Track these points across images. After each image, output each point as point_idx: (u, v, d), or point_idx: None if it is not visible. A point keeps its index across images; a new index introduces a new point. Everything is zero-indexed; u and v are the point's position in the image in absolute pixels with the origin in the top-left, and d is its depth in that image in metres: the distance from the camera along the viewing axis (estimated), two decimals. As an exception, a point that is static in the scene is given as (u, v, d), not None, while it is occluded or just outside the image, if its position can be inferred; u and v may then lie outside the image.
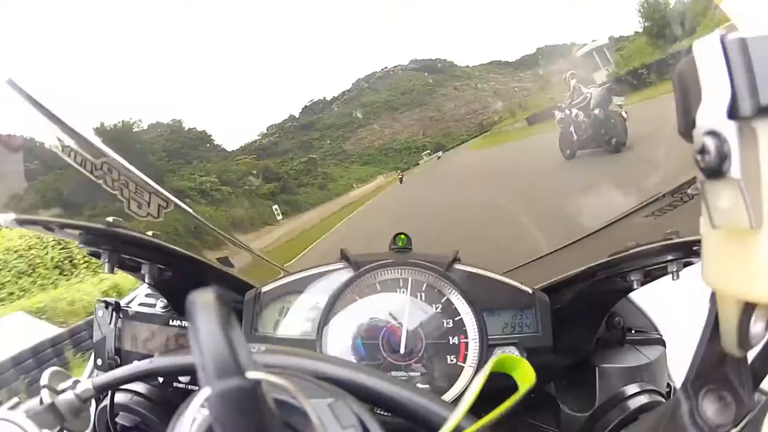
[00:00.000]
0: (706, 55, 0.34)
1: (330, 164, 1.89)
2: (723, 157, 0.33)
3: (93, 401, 0.65)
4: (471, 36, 1.49)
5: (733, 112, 0.32)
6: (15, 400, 0.60)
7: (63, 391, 0.62)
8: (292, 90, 1.56)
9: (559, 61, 1.45)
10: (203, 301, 0.34)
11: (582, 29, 1.32)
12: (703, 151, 0.34)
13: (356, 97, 1.84)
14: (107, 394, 0.93)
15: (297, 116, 1.71)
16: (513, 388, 0.96)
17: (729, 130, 0.32)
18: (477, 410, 0.52)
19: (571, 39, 1.38)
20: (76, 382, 0.63)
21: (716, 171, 0.33)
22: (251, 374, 0.33)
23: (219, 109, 1.39)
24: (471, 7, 1.35)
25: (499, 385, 0.56)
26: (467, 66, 1.85)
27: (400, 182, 1.94)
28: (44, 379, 0.62)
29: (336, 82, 1.62)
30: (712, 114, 0.33)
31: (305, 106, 1.73)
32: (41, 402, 0.60)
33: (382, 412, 0.51)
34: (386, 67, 1.83)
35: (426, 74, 1.91)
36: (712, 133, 0.33)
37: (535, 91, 1.65)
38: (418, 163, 1.99)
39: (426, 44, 1.64)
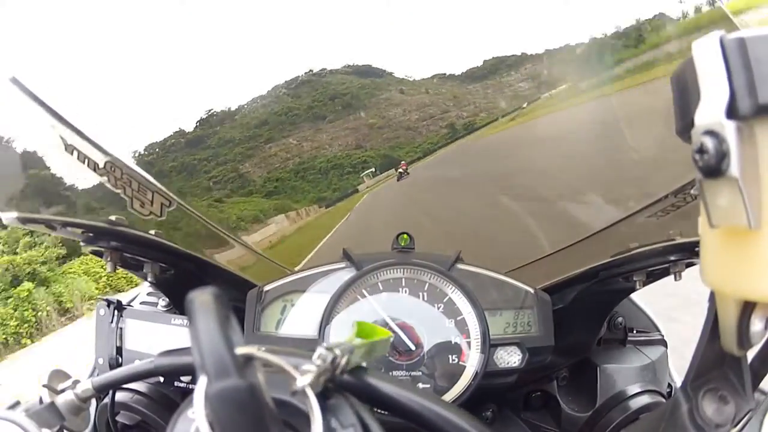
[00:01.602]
0: (705, 55, 0.34)
1: (208, 200, 1.45)
2: (722, 156, 0.33)
3: (93, 399, 0.65)
4: (416, 45, 1.39)
5: (731, 112, 0.32)
6: (15, 399, 0.60)
7: (63, 390, 0.62)
8: (190, 97, 1.29)
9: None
10: (202, 300, 0.34)
11: (534, 39, 1.31)
12: (701, 150, 0.34)
13: (268, 105, 1.48)
14: (107, 393, 0.93)
15: (187, 131, 1.35)
16: (511, 386, 0.96)
17: (728, 129, 0.32)
18: (476, 407, 0.52)
19: (521, 50, 1.38)
20: (76, 382, 0.64)
21: (715, 170, 0.33)
22: (241, 350, 0.33)
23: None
24: (418, 14, 1.28)
25: (498, 385, 0.56)
26: (411, 79, 1.57)
27: (398, 179, 1.64)
28: (44, 378, 0.62)
29: (245, 87, 1.35)
30: (710, 113, 0.33)
31: (202, 118, 1.37)
32: (41, 401, 0.61)
33: (382, 412, 0.51)
34: (311, 70, 1.46)
35: (363, 79, 1.58)
36: (711, 133, 0.33)
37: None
38: (357, 189, 1.62)
39: (364, 49, 1.40)
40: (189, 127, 1.33)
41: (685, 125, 0.37)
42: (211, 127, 1.39)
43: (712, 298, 0.42)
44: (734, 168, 0.32)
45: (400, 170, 1.63)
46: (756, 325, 0.38)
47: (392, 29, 1.27)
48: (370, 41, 1.35)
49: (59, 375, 0.64)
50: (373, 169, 1.58)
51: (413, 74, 1.54)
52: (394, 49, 1.39)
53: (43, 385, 0.62)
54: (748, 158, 0.32)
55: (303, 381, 0.38)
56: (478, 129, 1.58)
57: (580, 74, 1.33)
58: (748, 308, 0.38)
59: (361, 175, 1.59)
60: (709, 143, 0.33)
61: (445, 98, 1.59)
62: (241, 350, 0.34)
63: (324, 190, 1.58)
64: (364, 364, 0.51)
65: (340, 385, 0.44)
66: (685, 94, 0.37)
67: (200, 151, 1.38)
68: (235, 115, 1.43)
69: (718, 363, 0.46)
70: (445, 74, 1.53)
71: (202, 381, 0.32)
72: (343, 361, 0.44)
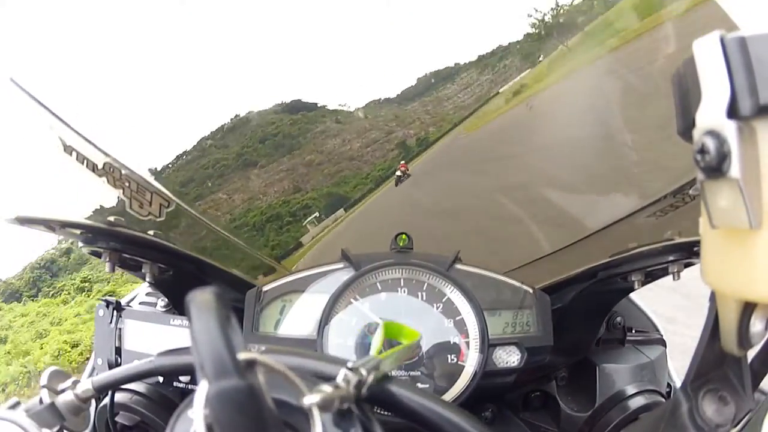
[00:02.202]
0: (706, 55, 0.34)
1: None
2: (722, 156, 0.33)
3: (93, 400, 0.65)
4: (345, 73, 1.34)
5: (732, 112, 0.32)
6: (15, 399, 0.60)
7: (63, 391, 0.62)
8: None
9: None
10: (202, 300, 0.34)
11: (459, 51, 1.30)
12: (702, 150, 0.34)
13: (193, 161, 1.28)
14: (107, 393, 0.93)
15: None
16: (510, 386, 0.96)
17: (729, 129, 0.32)
18: (475, 407, 0.52)
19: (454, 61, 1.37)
20: (76, 382, 0.63)
21: (716, 170, 0.33)
22: (242, 355, 0.33)
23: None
24: (343, 42, 1.24)
25: (497, 385, 0.56)
26: (346, 108, 1.42)
27: (397, 184, 1.49)
28: (44, 378, 0.62)
29: (168, 145, 1.22)
30: (711, 113, 0.33)
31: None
32: (41, 402, 0.61)
33: (382, 412, 0.51)
34: (237, 116, 1.32)
35: (294, 115, 1.42)
36: (712, 133, 0.33)
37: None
38: (301, 243, 1.41)
39: (291, 84, 1.31)
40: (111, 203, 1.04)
41: (686, 125, 0.37)
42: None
43: (713, 298, 0.42)
44: (735, 168, 0.32)
45: (398, 173, 1.51)
46: (756, 325, 0.38)
47: (318, 60, 1.24)
48: (296, 75, 1.30)
49: (59, 375, 0.64)
50: (317, 214, 1.41)
51: (347, 103, 1.43)
52: (322, 80, 1.34)
53: (43, 386, 0.61)
54: (749, 159, 0.32)
55: (310, 400, 0.38)
56: (445, 134, 1.50)
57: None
58: (748, 309, 0.38)
59: (304, 223, 1.41)
60: (710, 143, 0.33)
61: (386, 120, 1.49)
62: (255, 357, 0.34)
63: (261, 248, 1.37)
64: (391, 374, 0.51)
65: (363, 399, 0.44)
66: (686, 93, 0.37)
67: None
68: (161, 173, 1.23)
69: (718, 363, 0.46)
70: (380, 99, 1.45)
71: (203, 381, 0.32)
72: (369, 379, 0.44)
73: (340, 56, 1.25)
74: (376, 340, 0.59)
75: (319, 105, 1.40)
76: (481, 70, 1.39)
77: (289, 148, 1.43)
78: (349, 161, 1.49)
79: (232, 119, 1.32)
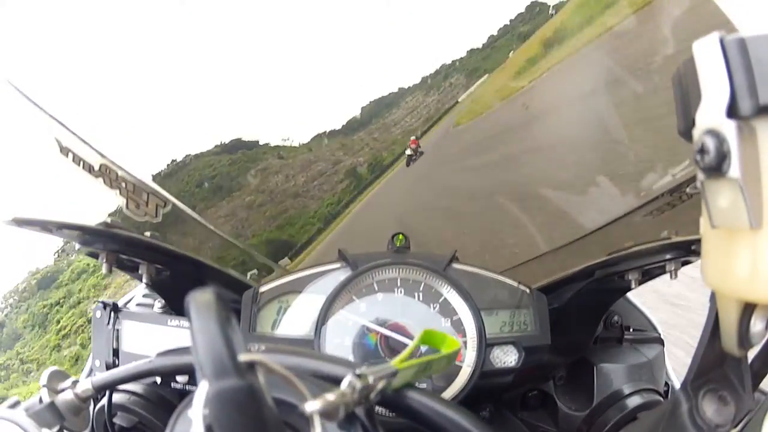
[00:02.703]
0: (706, 55, 0.34)
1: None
2: (722, 156, 0.33)
3: (91, 402, 0.65)
4: (287, 109, 1.30)
5: (732, 112, 0.32)
6: (15, 398, 0.60)
7: (62, 390, 0.62)
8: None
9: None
10: (202, 300, 0.34)
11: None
12: (702, 150, 0.34)
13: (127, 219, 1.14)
14: (104, 395, 0.93)
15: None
16: (508, 386, 0.96)
17: (728, 129, 0.32)
18: (473, 407, 0.52)
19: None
20: (76, 381, 0.63)
21: (716, 170, 0.33)
22: (243, 357, 0.33)
23: None
24: (282, 78, 1.22)
25: (495, 384, 0.57)
26: (289, 143, 1.37)
27: (408, 163, 1.41)
28: (44, 378, 0.62)
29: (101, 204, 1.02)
30: (711, 113, 0.33)
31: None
32: (41, 401, 0.61)
33: (385, 415, 0.51)
34: (174, 161, 1.21)
35: (233, 155, 1.32)
36: (712, 133, 0.33)
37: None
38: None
39: (230, 123, 1.26)
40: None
41: (686, 125, 0.37)
42: (68, 256, 1.17)
43: (713, 298, 0.42)
44: (735, 168, 0.32)
45: (409, 151, 1.43)
46: (756, 325, 0.38)
47: (258, 98, 1.22)
48: (235, 114, 1.26)
49: (58, 375, 0.64)
50: (256, 271, 1.25)
51: (290, 138, 1.37)
52: (263, 118, 1.30)
53: (43, 385, 0.62)
54: (749, 158, 0.32)
55: (312, 407, 0.37)
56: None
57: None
58: (748, 309, 0.38)
59: (248, 276, 1.25)
60: (710, 143, 0.33)
61: (333, 150, 1.43)
62: (258, 359, 0.34)
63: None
64: (418, 384, 0.50)
65: (377, 405, 0.44)
66: (686, 94, 0.37)
67: (52, 292, 1.18)
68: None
69: (718, 363, 0.46)
70: (324, 132, 1.41)
71: (203, 381, 0.32)
72: (379, 385, 0.44)
73: (280, 92, 1.22)
74: (408, 347, 0.59)
75: (260, 142, 1.34)
76: (426, 92, 1.38)
77: (228, 189, 1.33)
78: (293, 199, 1.42)
79: (168, 165, 1.22)
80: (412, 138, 1.44)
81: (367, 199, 1.48)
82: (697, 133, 0.34)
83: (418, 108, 1.38)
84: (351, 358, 0.94)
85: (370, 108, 1.41)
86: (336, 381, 0.43)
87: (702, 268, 0.40)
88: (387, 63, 1.26)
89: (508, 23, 1.27)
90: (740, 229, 0.34)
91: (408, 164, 1.43)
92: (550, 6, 1.24)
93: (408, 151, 1.44)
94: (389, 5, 1.18)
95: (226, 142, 1.29)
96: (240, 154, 1.33)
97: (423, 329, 0.93)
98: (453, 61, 1.29)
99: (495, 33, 1.25)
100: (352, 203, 1.44)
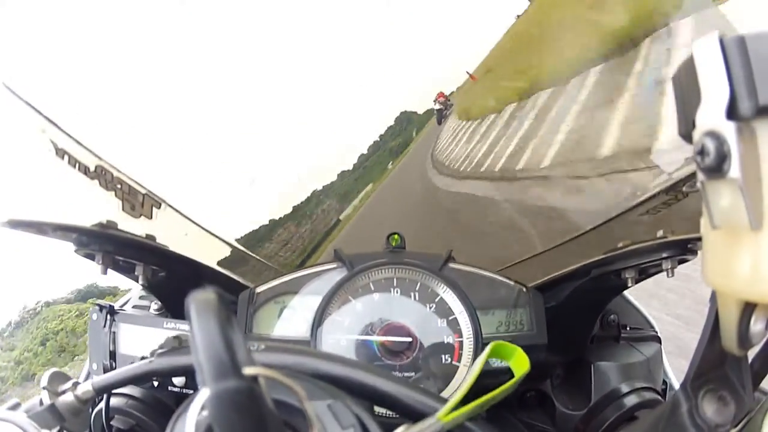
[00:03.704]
0: (705, 56, 0.34)
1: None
2: (722, 157, 0.33)
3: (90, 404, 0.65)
4: None
5: (732, 113, 0.32)
6: (15, 400, 0.61)
7: (63, 392, 0.62)
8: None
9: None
10: (203, 301, 0.34)
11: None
12: (702, 151, 0.34)
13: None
14: (102, 398, 0.92)
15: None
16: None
17: (728, 130, 0.32)
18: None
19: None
20: (76, 383, 0.64)
21: (716, 171, 0.33)
22: (248, 370, 0.33)
23: None
24: None
25: (492, 384, 0.57)
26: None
27: (439, 121, 1.32)
28: (44, 380, 0.62)
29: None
30: (711, 114, 0.33)
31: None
32: (41, 403, 0.61)
33: (381, 413, 0.51)
34: (25, 306, 1.10)
35: (84, 303, 1.21)
36: (712, 134, 0.33)
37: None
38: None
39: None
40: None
41: (686, 126, 0.37)
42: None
43: (713, 298, 0.42)
44: (735, 169, 0.32)
45: (438, 105, 1.33)
46: (757, 325, 0.38)
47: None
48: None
49: (59, 377, 0.64)
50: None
51: None
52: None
53: (44, 387, 0.62)
54: (749, 159, 0.32)
55: None
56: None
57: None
58: (748, 308, 0.38)
59: None
60: (710, 144, 0.33)
61: None
62: (248, 371, 0.34)
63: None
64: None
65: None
66: (686, 94, 0.37)
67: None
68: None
69: (718, 363, 0.46)
70: None
71: (203, 382, 0.32)
72: None
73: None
74: (477, 363, 0.58)
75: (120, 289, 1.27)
76: (299, 222, 1.36)
77: (72, 353, 1.19)
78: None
79: (20, 312, 1.10)
80: (439, 92, 1.36)
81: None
82: (697, 134, 0.34)
83: (290, 240, 1.36)
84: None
85: (243, 243, 1.37)
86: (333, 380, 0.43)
87: (702, 268, 0.40)
88: (255, 194, 1.25)
89: (378, 139, 1.25)
90: (740, 230, 0.34)
91: (439, 122, 1.39)
92: (418, 114, 1.21)
93: (437, 106, 1.35)
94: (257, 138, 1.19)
95: (81, 288, 1.21)
96: (89, 304, 1.22)
97: (419, 327, 0.94)
98: (324, 187, 1.27)
99: (366, 151, 1.23)
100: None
